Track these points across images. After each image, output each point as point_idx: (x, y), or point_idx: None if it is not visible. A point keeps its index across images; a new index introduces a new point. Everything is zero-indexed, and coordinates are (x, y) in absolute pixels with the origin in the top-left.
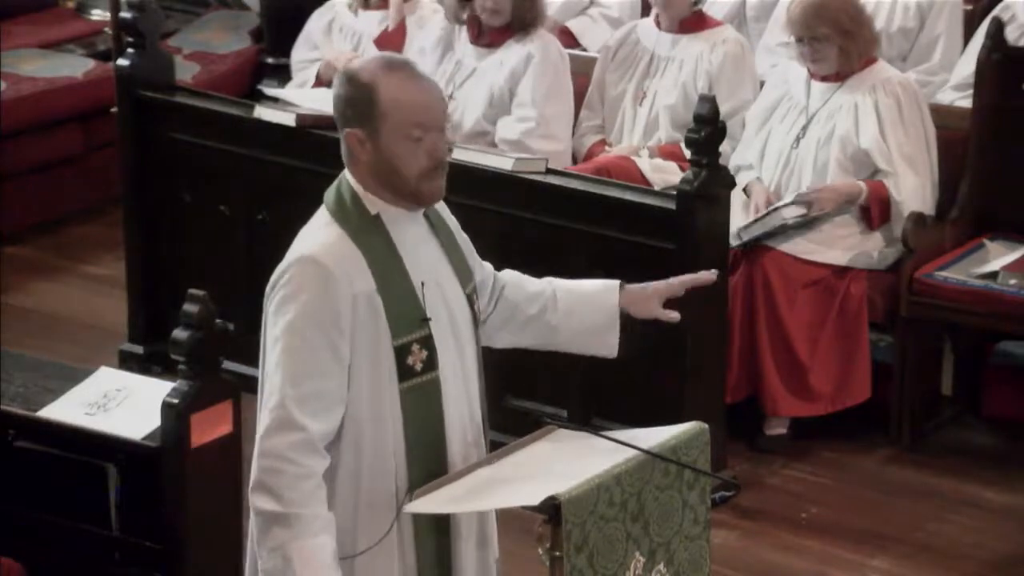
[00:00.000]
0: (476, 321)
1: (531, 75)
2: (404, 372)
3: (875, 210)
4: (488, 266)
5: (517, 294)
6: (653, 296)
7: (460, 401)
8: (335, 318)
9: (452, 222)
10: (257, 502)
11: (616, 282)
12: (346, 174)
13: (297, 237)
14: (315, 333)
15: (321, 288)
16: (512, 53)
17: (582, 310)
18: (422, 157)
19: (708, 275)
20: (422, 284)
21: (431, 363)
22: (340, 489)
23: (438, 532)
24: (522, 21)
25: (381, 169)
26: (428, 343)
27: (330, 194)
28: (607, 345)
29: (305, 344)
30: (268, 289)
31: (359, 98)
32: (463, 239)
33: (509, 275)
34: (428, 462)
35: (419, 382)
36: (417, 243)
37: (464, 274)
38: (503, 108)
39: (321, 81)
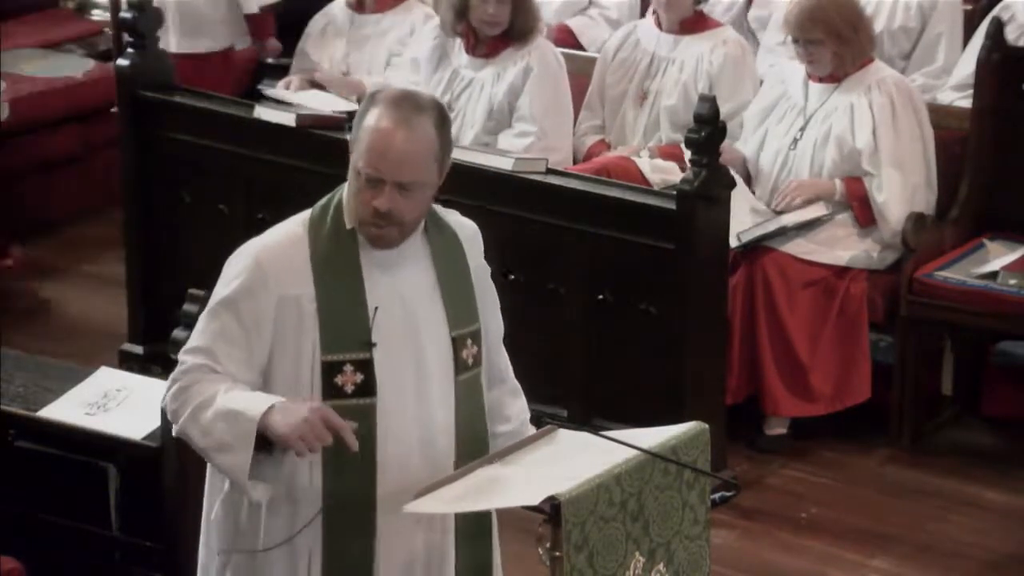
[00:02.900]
0: (457, 366)
1: (530, 89)
2: (329, 390)
3: (857, 208)
4: (499, 341)
5: (496, 403)
6: None
7: (407, 438)
8: (256, 318)
9: (477, 264)
10: (179, 431)
11: None
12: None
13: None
14: (234, 322)
15: (250, 286)
16: (510, 65)
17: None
18: (363, 198)
19: None
20: (375, 308)
21: (366, 389)
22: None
23: (360, 537)
24: (520, 31)
25: (348, 185)
26: (366, 368)
27: (326, 196)
28: None
29: (224, 325)
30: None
31: (359, 112)
32: (485, 287)
33: (510, 383)
34: (350, 487)
35: (346, 404)
36: (395, 268)
37: (459, 316)
38: (503, 121)
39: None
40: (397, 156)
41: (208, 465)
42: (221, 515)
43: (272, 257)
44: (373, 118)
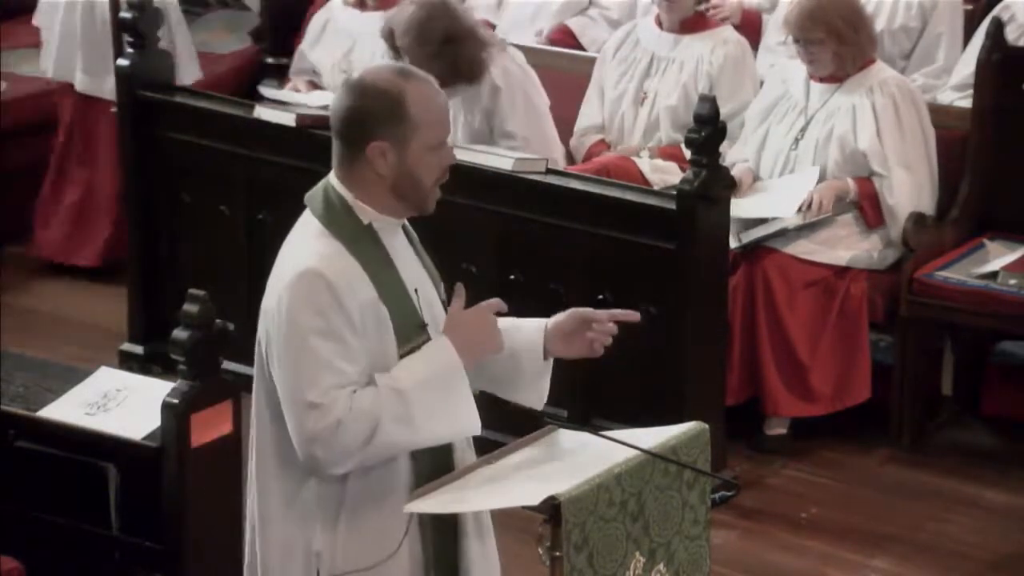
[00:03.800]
0: None
1: (503, 108)
2: None
3: (867, 208)
4: None
5: None
6: (575, 326)
7: None
8: (348, 323)
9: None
10: (340, 462)
11: (541, 327)
12: (332, 181)
13: (287, 248)
14: (329, 341)
15: (330, 299)
16: (474, 90)
17: (512, 362)
18: (436, 168)
19: (632, 315)
20: (415, 291)
21: None
22: (348, 498)
23: (444, 531)
24: (462, 79)
25: (401, 180)
26: None
27: (316, 202)
28: (536, 394)
29: (320, 351)
30: (271, 304)
31: (383, 109)
32: None
33: None
34: (435, 463)
35: None
36: (403, 252)
37: (436, 280)
38: (484, 138)
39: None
40: (449, 112)
41: (280, 509)
42: (331, 544)
43: (333, 272)
44: (414, 97)
